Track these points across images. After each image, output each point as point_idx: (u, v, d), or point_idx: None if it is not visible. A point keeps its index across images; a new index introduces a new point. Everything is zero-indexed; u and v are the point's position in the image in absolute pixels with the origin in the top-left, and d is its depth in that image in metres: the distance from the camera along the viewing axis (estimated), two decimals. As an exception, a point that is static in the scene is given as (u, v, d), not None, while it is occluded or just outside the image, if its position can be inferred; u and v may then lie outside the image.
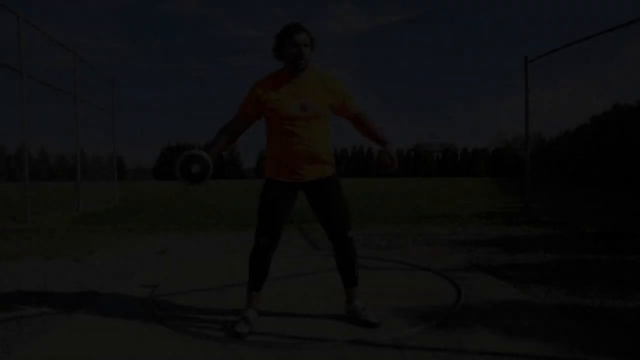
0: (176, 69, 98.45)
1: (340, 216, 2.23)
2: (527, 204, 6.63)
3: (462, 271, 3.38)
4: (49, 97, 7.83)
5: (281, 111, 2.11)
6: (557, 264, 3.59)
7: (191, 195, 14.05)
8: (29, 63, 6.86)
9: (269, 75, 2.20)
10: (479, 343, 1.98)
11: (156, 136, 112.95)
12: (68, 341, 2.07)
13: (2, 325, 2.31)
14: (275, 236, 2.21)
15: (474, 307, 2.51)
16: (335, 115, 2.27)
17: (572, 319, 2.29)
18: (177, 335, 2.14)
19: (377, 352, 1.91)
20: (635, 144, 5.40)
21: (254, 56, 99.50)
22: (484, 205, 9.13)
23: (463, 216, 7.01)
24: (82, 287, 3.10)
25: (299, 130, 2.11)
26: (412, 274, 3.33)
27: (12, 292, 2.96)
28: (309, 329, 2.19)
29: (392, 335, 2.08)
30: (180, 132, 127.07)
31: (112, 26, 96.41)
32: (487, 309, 2.47)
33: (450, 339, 2.03)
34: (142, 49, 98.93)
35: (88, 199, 9.75)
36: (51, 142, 8.97)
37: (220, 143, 2.18)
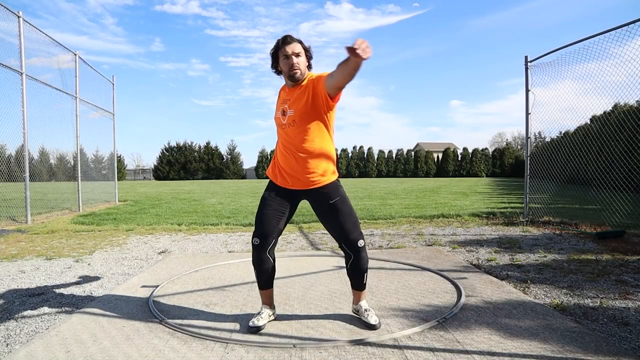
0: (176, 69, 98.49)
1: (345, 225, 2.17)
2: (527, 204, 6.64)
3: (462, 271, 3.38)
4: (49, 97, 7.84)
5: (275, 117, 2.25)
6: (557, 264, 3.59)
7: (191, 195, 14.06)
8: (29, 63, 6.87)
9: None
10: (479, 343, 1.98)
11: (156, 136, 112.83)
12: (68, 341, 2.07)
13: (2, 325, 2.31)
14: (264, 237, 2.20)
15: (474, 307, 2.51)
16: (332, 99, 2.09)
17: (572, 319, 2.29)
18: (177, 335, 2.14)
19: (377, 352, 1.91)
20: (635, 144, 5.40)
21: (254, 56, 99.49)
22: (484, 205, 9.13)
23: (463, 216, 7.01)
24: (82, 287, 3.10)
25: (284, 134, 2.20)
26: (412, 274, 3.33)
27: (12, 292, 2.97)
28: (309, 329, 2.19)
29: (392, 335, 2.08)
30: (180, 132, 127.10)
31: (112, 26, 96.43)
32: (487, 309, 2.47)
33: (450, 339, 2.03)
34: (142, 49, 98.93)
35: (88, 199, 9.75)
36: (51, 142, 8.97)
37: None
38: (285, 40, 2.13)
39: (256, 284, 2.31)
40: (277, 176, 2.26)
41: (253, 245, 2.20)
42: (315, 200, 2.22)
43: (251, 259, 2.25)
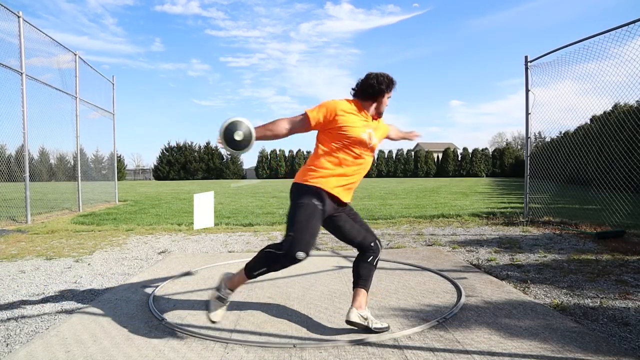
0: (176, 69, 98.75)
1: (364, 224, 2.37)
2: (527, 204, 6.64)
3: (462, 271, 3.38)
4: (49, 97, 7.84)
5: (354, 134, 2.14)
6: (557, 264, 3.59)
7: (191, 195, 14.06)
8: (29, 63, 6.87)
9: (346, 99, 2.25)
10: (479, 343, 1.98)
11: (156, 136, 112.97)
12: (68, 341, 2.07)
13: (2, 325, 2.31)
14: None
15: (474, 307, 2.51)
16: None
17: (572, 319, 2.29)
18: (177, 335, 2.14)
19: (377, 352, 1.91)
20: (635, 144, 5.40)
21: (254, 57, 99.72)
22: (484, 205, 9.13)
23: (463, 216, 7.01)
24: (82, 287, 3.10)
25: (363, 156, 2.23)
26: (412, 274, 3.33)
27: (12, 292, 2.97)
28: (309, 329, 2.19)
29: (392, 335, 2.08)
30: (180, 132, 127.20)
31: (112, 26, 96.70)
32: (487, 309, 2.47)
33: (450, 339, 2.03)
34: (142, 49, 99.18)
35: (88, 199, 9.75)
36: (51, 142, 8.97)
37: (269, 127, 2.12)
38: (395, 86, 2.34)
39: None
40: (339, 190, 2.16)
41: (295, 258, 1.99)
42: (341, 211, 2.26)
43: (275, 264, 2.06)
